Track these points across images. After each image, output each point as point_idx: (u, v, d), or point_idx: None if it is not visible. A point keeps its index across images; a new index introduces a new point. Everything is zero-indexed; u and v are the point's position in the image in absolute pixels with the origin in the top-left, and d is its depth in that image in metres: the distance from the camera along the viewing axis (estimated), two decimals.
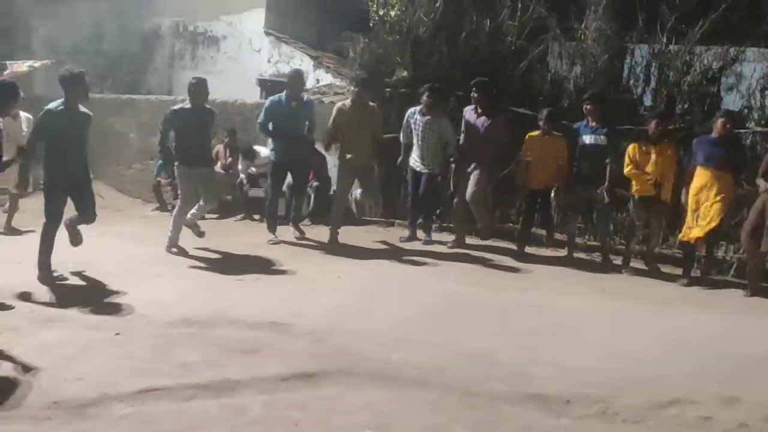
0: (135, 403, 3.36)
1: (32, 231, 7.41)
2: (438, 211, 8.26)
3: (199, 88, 6.74)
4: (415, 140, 7.44)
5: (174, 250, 6.75)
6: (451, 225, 7.97)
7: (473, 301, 5.52)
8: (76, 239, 5.77)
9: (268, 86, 11.42)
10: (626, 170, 6.74)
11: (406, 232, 7.80)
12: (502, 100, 8.04)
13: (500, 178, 7.77)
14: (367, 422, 3.27)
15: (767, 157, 6.34)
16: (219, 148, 9.46)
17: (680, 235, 6.61)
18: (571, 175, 7.08)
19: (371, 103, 7.54)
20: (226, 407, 3.38)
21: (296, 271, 6.25)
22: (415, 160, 7.47)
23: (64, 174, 5.57)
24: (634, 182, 6.77)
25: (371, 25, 9.19)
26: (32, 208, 8.24)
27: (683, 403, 3.62)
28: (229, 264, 6.45)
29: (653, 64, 8.32)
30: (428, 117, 7.33)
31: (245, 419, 3.27)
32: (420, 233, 7.73)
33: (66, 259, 5.74)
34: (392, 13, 9.02)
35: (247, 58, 12.02)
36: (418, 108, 7.41)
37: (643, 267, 6.92)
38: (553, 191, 7.42)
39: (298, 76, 7.48)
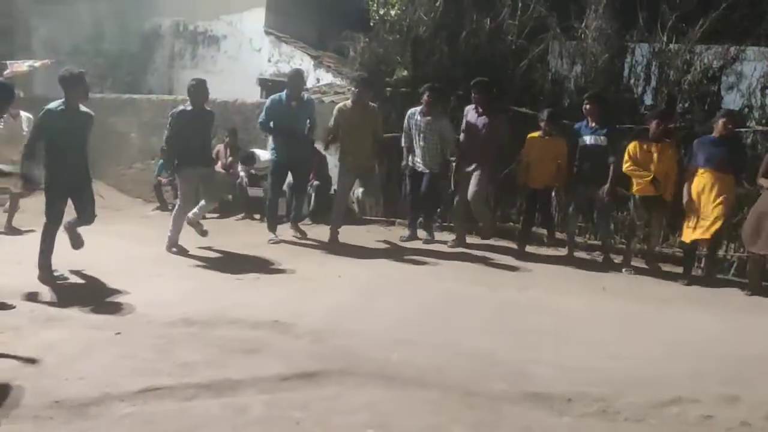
0: (136, 403, 3.36)
1: (33, 231, 7.42)
2: (438, 211, 8.27)
3: (198, 89, 6.75)
4: (415, 140, 7.44)
5: (174, 249, 6.76)
6: (452, 224, 7.98)
7: (473, 301, 5.52)
8: (77, 242, 5.79)
9: (268, 86, 11.43)
10: (625, 167, 6.74)
11: (407, 232, 7.80)
12: (503, 100, 8.04)
13: (501, 178, 7.78)
14: (368, 422, 3.27)
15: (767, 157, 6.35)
16: (219, 147, 9.47)
17: (682, 236, 6.61)
18: (572, 176, 7.08)
19: (372, 103, 7.55)
20: (227, 407, 3.38)
21: (297, 271, 6.25)
22: (415, 160, 7.47)
23: (65, 174, 5.57)
24: (634, 181, 6.77)
25: (371, 24, 9.20)
26: (33, 208, 8.24)
27: (685, 402, 3.62)
28: (230, 263, 6.45)
29: (654, 63, 8.33)
30: (429, 117, 7.34)
31: (246, 419, 3.27)
32: (421, 233, 7.74)
33: (66, 259, 5.74)
34: (392, 13, 9.03)
35: (248, 57, 12.02)
36: (418, 109, 7.42)
37: (644, 266, 6.93)
38: (553, 191, 7.43)
39: (298, 76, 7.48)
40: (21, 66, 11.34)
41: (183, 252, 6.73)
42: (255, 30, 12.01)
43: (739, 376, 4.05)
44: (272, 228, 7.50)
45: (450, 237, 7.70)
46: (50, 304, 4.99)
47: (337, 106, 7.57)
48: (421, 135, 7.37)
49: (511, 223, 8.13)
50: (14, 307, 4.76)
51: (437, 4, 8.75)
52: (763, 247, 6.02)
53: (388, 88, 8.72)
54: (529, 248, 7.36)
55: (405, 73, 8.84)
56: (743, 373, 4.12)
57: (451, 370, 3.97)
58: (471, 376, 3.89)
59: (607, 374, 3.96)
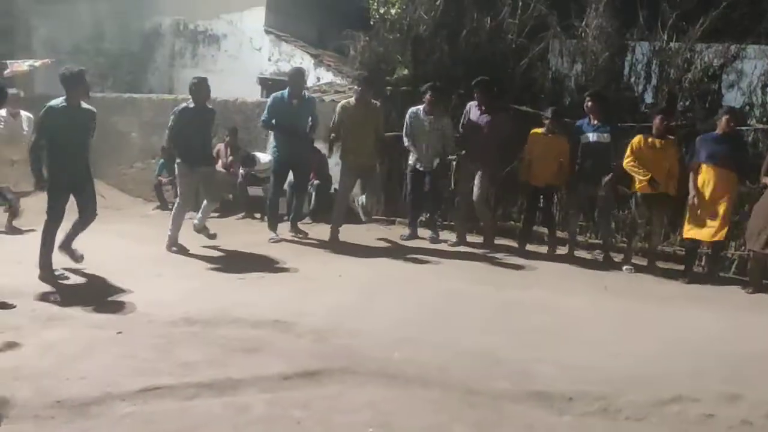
0: (137, 402, 3.36)
1: (33, 230, 7.41)
2: (440, 210, 8.27)
3: (200, 87, 6.77)
4: (417, 139, 7.43)
5: (174, 248, 6.76)
6: (452, 223, 7.98)
7: (475, 300, 5.51)
8: (75, 257, 5.80)
9: (268, 85, 11.43)
10: (626, 162, 6.72)
11: (407, 231, 7.80)
12: (503, 98, 8.04)
13: (502, 177, 7.78)
14: (369, 421, 3.27)
15: None
16: (220, 147, 9.46)
17: (685, 233, 6.61)
18: (573, 173, 7.07)
19: (374, 101, 7.55)
20: (228, 406, 3.38)
21: (298, 270, 6.26)
22: (417, 159, 7.46)
23: (66, 171, 5.57)
24: (636, 179, 6.75)
25: (372, 23, 9.20)
26: (33, 208, 8.25)
27: (685, 401, 3.62)
28: (231, 263, 6.45)
29: (654, 61, 8.33)
30: (431, 116, 7.34)
31: (247, 418, 3.27)
32: (424, 232, 7.75)
33: (67, 258, 5.75)
34: (393, 12, 9.03)
35: (248, 56, 12.02)
36: (420, 107, 7.41)
37: (645, 264, 6.92)
38: (555, 191, 7.43)
39: (299, 74, 7.49)
40: (21, 65, 11.35)
41: (183, 251, 6.73)
42: (255, 29, 12.01)
43: (740, 375, 4.05)
44: (273, 227, 7.51)
45: (450, 236, 7.70)
46: (51, 303, 4.98)
47: (339, 104, 7.59)
48: (424, 134, 7.37)
49: (512, 222, 8.12)
50: (15, 307, 4.76)
51: (437, 2, 8.75)
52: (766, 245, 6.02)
53: (389, 87, 8.71)
54: (529, 247, 7.36)
55: (405, 72, 8.84)
56: (744, 372, 4.12)
57: (453, 369, 3.97)
58: (473, 374, 3.89)
59: (608, 373, 3.96)
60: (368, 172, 7.59)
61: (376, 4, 9.15)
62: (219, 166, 8.75)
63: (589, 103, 6.98)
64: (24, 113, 7.95)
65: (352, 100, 7.52)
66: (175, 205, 7.04)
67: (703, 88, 8.01)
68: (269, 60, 11.85)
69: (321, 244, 7.37)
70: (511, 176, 7.85)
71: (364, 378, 3.78)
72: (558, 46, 8.71)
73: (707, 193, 6.34)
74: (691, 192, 6.46)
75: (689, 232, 6.53)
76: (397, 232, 8.02)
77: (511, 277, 6.45)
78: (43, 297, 5.08)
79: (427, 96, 7.33)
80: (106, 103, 10.58)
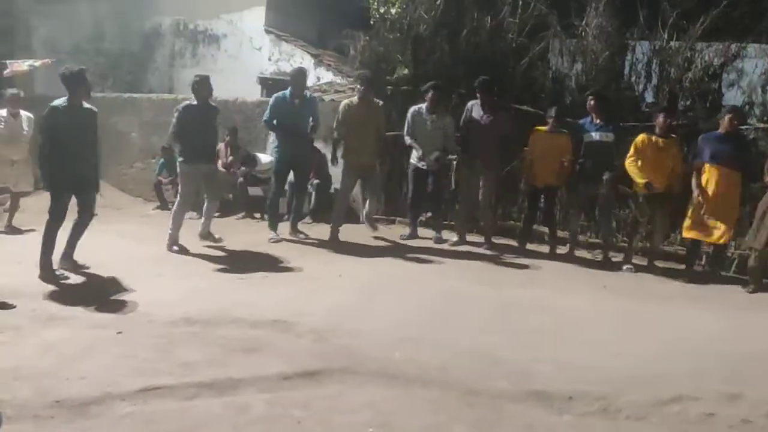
0: (137, 402, 3.37)
1: (33, 230, 7.42)
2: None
3: (202, 85, 6.79)
4: (419, 138, 7.42)
5: (175, 248, 6.76)
6: (452, 222, 7.97)
7: (474, 299, 5.51)
8: (76, 269, 5.80)
9: (268, 84, 11.43)
10: (628, 161, 6.69)
11: (407, 230, 7.80)
12: (504, 98, 8.03)
13: (502, 176, 7.77)
14: (369, 421, 3.27)
15: None
16: (220, 146, 9.45)
17: (684, 232, 6.60)
18: (575, 172, 7.06)
19: (376, 100, 7.56)
20: (228, 406, 3.38)
21: (298, 269, 6.26)
22: (419, 158, 7.45)
23: (68, 171, 5.58)
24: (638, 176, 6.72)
25: (372, 22, 9.19)
26: (33, 207, 8.25)
27: (686, 400, 3.62)
28: (231, 262, 6.45)
29: (654, 60, 8.32)
30: (434, 115, 7.34)
31: (247, 418, 3.27)
32: (423, 231, 7.73)
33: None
34: (393, 11, 9.03)
35: (248, 56, 12.03)
36: (422, 106, 7.40)
37: (645, 264, 6.92)
38: (556, 191, 7.43)
39: (301, 74, 7.49)
40: (21, 65, 11.36)
41: (183, 251, 6.73)
42: (255, 29, 12.02)
43: (740, 374, 4.05)
44: (273, 226, 7.50)
45: (451, 235, 7.69)
46: (51, 303, 4.98)
47: (343, 103, 7.59)
48: (427, 133, 7.36)
49: (512, 221, 8.12)
50: (15, 307, 4.76)
51: (438, 2, 8.74)
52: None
53: (389, 87, 8.71)
54: (529, 246, 7.37)
55: (405, 71, 8.84)
56: (744, 371, 4.11)
57: (453, 368, 3.97)
58: (472, 374, 3.89)
59: (607, 372, 3.96)
60: (369, 171, 7.59)
61: (376, 3, 9.15)
62: (219, 166, 8.75)
63: (592, 102, 6.98)
64: (24, 113, 7.95)
65: (355, 99, 7.52)
66: (176, 204, 7.04)
67: (703, 87, 8.00)
68: (269, 60, 11.86)
69: (321, 244, 7.37)
70: (510, 176, 7.84)
71: (364, 378, 3.78)
72: (558, 45, 8.71)
73: (711, 193, 6.34)
74: (695, 192, 6.45)
75: (690, 232, 6.51)
76: (397, 231, 8.02)
77: (511, 276, 6.44)
78: (43, 297, 5.07)
79: (430, 95, 7.33)
80: (106, 103, 10.58)
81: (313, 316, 4.82)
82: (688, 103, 8.04)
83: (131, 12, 12.62)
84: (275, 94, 7.59)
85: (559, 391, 3.66)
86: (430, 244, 7.48)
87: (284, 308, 4.95)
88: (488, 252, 7.24)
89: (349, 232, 7.65)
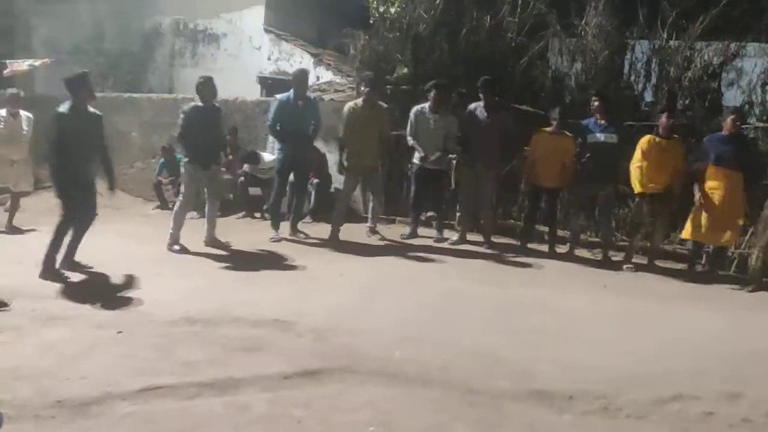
0: (138, 402, 3.37)
1: (33, 230, 7.43)
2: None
3: (207, 86, 6.81)
4: (421, 138, 7.42)
5: (176, 248, 6.75)
6: (452, 222, 7.97)
7: (475, 299, 5.51)
8: (77, 269, 5.82)
9: (268, 84, 11.43)
10: (634, 164, 6.67)
11: (408, 229, 7.80)
12: (503, 97, 8.03)
13: (502, 176, 7.77)
14: (370, 420, 3.27)
15: None
16: None
17: (687, 233, 6.59)
18: (576, 172, 7.06)
19: (380, 103, 7.55)
20: (229, 405, 3.39)
21: (298, 269, 6.26)
22: (422, 158, 7.43)
23: (74, 174, 5.64)
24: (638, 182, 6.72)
25: (371, 22, 9.19)
26: (33, 208, 8.26)
27: (686, 399, 3.62)
28: (231, 262, 6.45)
29: (654, 60, 8.32)
30: (436, 114, 7.33)
31: (248, 417, 3.27)
32: (423, 231, 7.73)
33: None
34: (392, 10, 9.03)
35: (248, 55, 12.03)
36: (424, 105, 7.39)
37: (645, 263, 6.92)
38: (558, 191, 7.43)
39: (303, 75, 7.46)
40: (21, 65, 11.36)
41: (184, 250, 6.73)
42: (255, 28, 12.02)
43: (741, 373, 4.05)
44: (275, 226, 7.50)
45: (451, 234, 7.70)
46: (51, 303, 4.98)
47: (347, 105, 7.55)
48: (430, 132, 7.35)
49: (512, 221, 8.12)
50: (8, 305, 4.73)
51: (437, 1, 8.74)
52: None
53: (389, 86, 8.71)
54: (530, 245, 7.36)
55: (405, 70, 8.84)
56: (744, 370, 4.12)
57: (454, 368, 3.97)
58: (473, 374, 3.89)
59: (608, 372, 3.96)
60: (371, 173, 7.59)
61: (375, 2, 9.15)
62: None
63: (596, 103, 6.97)
64: (24, 113, 7.95)
65: (360, 101, 7.51)
66: (177, 204, 7.03)
67: (702, 86, 8.00)
68: (269, 59, 11.86)
69: (321, 244, 7.37)
70: (510, 175, 7.84)
71: (365, 377, 3.78)
72: (558, 44, 8.70)
73: (716, 194, 6.33)
74: (697, 193, 6.44)
75: (690, 233, 6.51)
76: (398, 231, 8.02)
77: (512, 275, 6.44)
78: (43, 296, 5.07)
79: (432, 94, 7.31)
80: (106, 103, 10.52)
81: (313, 315, 4.82)
82: (687, 102, 8.04)
83: (131, 12, 12.62)
84: (278, 97, 7.56)
85: (559, 391, 3.67)
86: (431, 243, 7.48)
87: (285, 307, 4.95)
88: (488, 251, 7.24)
89: (349, 232, 7.65)
